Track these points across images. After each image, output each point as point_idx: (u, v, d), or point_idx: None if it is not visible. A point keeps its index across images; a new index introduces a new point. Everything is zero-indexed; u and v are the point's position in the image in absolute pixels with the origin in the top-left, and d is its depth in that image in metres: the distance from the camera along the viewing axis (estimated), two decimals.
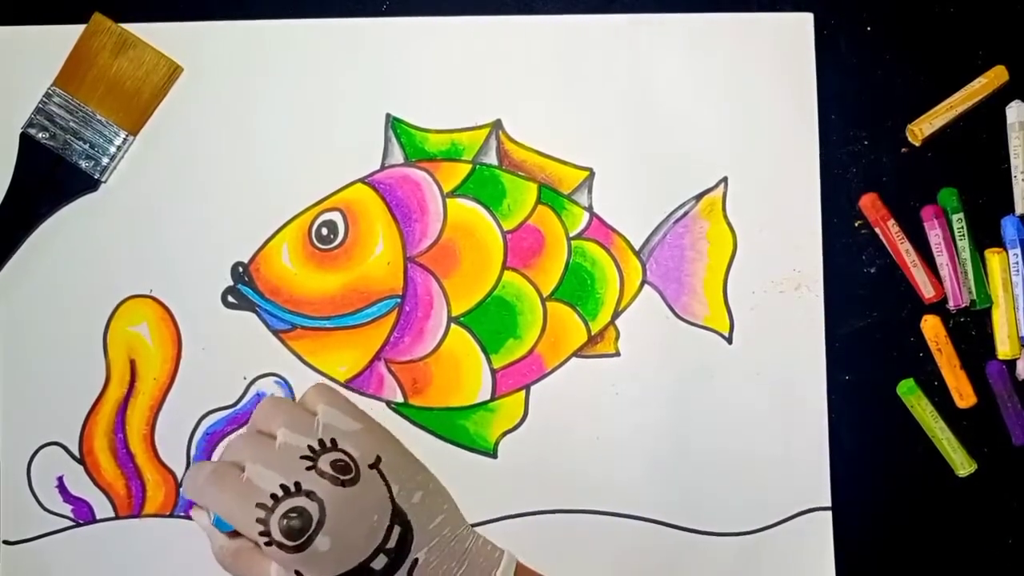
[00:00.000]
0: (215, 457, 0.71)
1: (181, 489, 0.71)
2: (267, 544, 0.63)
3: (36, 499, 0.72)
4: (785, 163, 0.73)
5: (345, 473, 0.64)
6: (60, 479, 0.72)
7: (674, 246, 0.73)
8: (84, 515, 0.72)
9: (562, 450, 0.73)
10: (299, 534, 0.62)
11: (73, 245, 0.73)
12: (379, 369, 0.73)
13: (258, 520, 0.63)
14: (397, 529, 0.65)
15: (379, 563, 0.64)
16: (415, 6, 0.74)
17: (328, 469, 0.64)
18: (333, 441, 0.66)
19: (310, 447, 0.65)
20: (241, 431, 0.70)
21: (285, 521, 0.62)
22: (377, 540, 0.64)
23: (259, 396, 0.72)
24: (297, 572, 0.63)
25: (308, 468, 0.64)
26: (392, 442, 0.70)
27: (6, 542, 0.72)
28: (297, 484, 0.63)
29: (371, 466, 0.66)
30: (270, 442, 0.66)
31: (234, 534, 0.66)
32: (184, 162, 0.73)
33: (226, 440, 0.69)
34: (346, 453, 0.65)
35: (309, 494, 0.63)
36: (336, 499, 0.63)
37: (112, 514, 0.72)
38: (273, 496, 0.63)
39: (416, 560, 0.65)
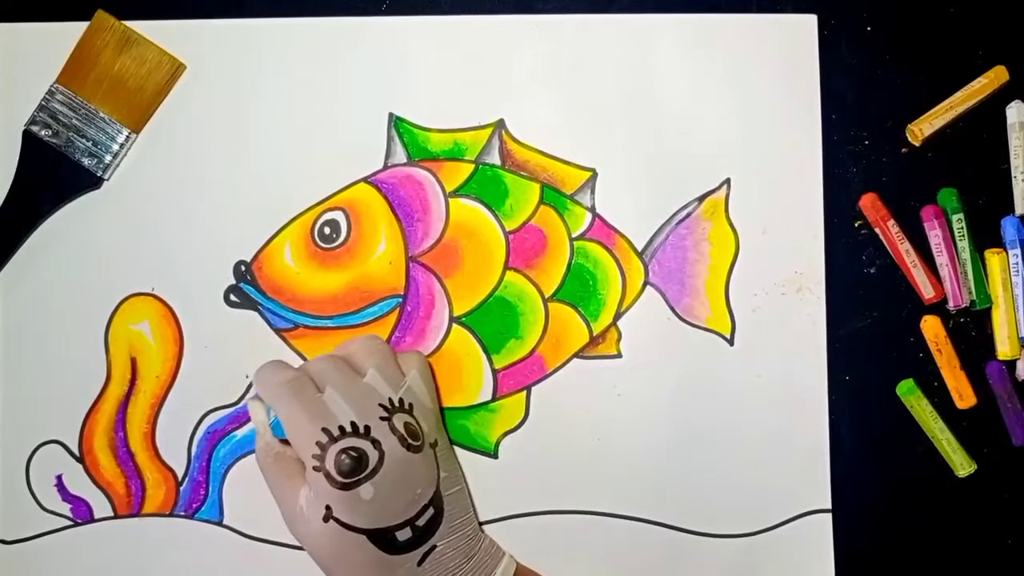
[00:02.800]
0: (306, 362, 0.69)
1: (254, 373, 0.69)
2: (315, 469, 0.63)
3: (34, 498, 0.71)
4: (788, 165, 0.73)
5: (415, 439, 0.65)
6: (59, 478, 0.71)
7: (676, 247, 0.74)
8: (82, 514, 0.72)
9: (563, 451, 0.73)
10: (350, 474, 0.63)
11: (75, 243, 0.73)
12: None
13: (318, 443, 0.63)
14: (430, 511, 0.65)
15: (404, 535, 0.64)
16: (416, 5, 0.74)
17: (400, 428, 0.65)
18: (411, 406, 0.67)
19: (390, 399, 0.66)
20: (328, 355, 0.69)
21: (344, 456, 0.63)
22: (412, 512, 0.64)
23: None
24: (328, 507, 0.63)
25: (382, 418, 0.65)
26: (446, 435, 0.71)
27: (3, 541, 0.71)
28: (367, 427, 0.64)
29: (431, 445, 0.67)
30: (356, 376, 0.67)
31: (284, 443, 0.66)
32: (187, 160, 0.73)
33: (318, 360, 0.68)
34: (417, 422, 0.66)
35: (375, 442, 0.64)
36: (396, 458, 0.64)
37: (111, 513, 0.72)
38: (341, 428, 0.64)
39: (434, 547, 0.65)
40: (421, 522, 0.65)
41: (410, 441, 0.65)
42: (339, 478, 0.63)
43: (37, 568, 0.71)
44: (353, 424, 0.64)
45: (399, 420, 0.65)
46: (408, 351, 0.71)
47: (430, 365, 0.72)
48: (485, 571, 0.67)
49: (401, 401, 0.66)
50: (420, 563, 0.65)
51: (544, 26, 0.74)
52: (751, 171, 0.73)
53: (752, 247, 0.74)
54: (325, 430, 0.64)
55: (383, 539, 0.64)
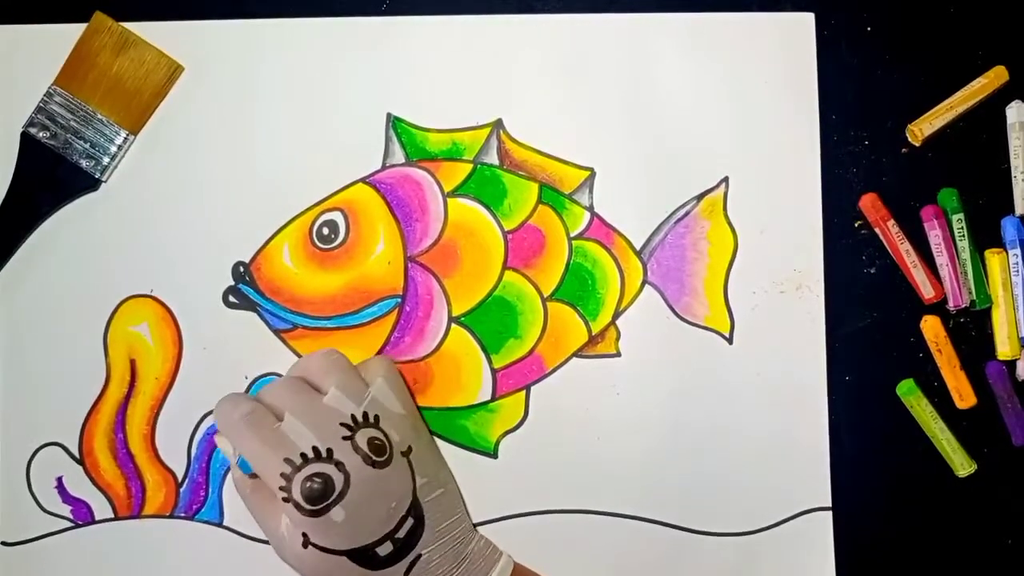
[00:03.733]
0: (263, 389, 0.69)
1: (216, 408, 0.68)
2: (284, 500, 0.63)
3: (35, 500, 0.72)
4: (786, 163, 0.73)
5: (379, 454, 0.64)
6: (59, 479, 0.72)
7: (675, 246, 0.73)
8: (83, 516, 0.72)
9: (562, 450, 0.73)
10: (318, 500, 0.63)
11: (74, 245, 0.73)
12: None
13: (282, 475, 0.63)
14: (410, 521, 0.65)
15: (384, 550, 0.64)
16: (415, 5, 0.74)
17: (363, 446, 0.64)
18: (376, 418, 0.66)
19: (353, 416, 0.65)
20: (285, 378, 0.69)
21: (308, 484, 0.63)
22: (389, 527, 0.64)
23: None
24: (304, 535, 0.63)
25: (345, 438, 0.64)
26: (426, 435, 0.71)
27: (4, 543, 0.72)
28: (329, 451, 0.64)
29: (403, 454, 0.66)
30: (315, 397, 0.66)
31: (255, 475, 0.66)
32: (185, 161, 0.73)
33: (277, 384, 0.68)
34: (384, 434, 0.66)
35: (338, 464, 0.63)
36: (363, 477, 0.63)
37: (111, 515, 0.72)
38: (303, 455, 0.63)
39: (419, 556, 0.65)
40: (401, 534, 0.64)
41: (375, 458, 0.64)
42: (307, 506, 0.63)
43: (39, 569, 0.71)
44: (315, 449, 0.63)
45: (362, 437, 0.64)
46: (373, 358, 0.71)
47: (398, 370, 0.71)
48: (479, 574, 0.67)
49: (365, 415, 0.66)
50: (407, 574, 0.65)
51: (541, 25, 0.74)
52: (749, 169, 0.73)
53: (751, 245, 0.73)
54: (287, 460, 0.63)
55: (363, 557, 0.64)
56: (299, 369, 0.68)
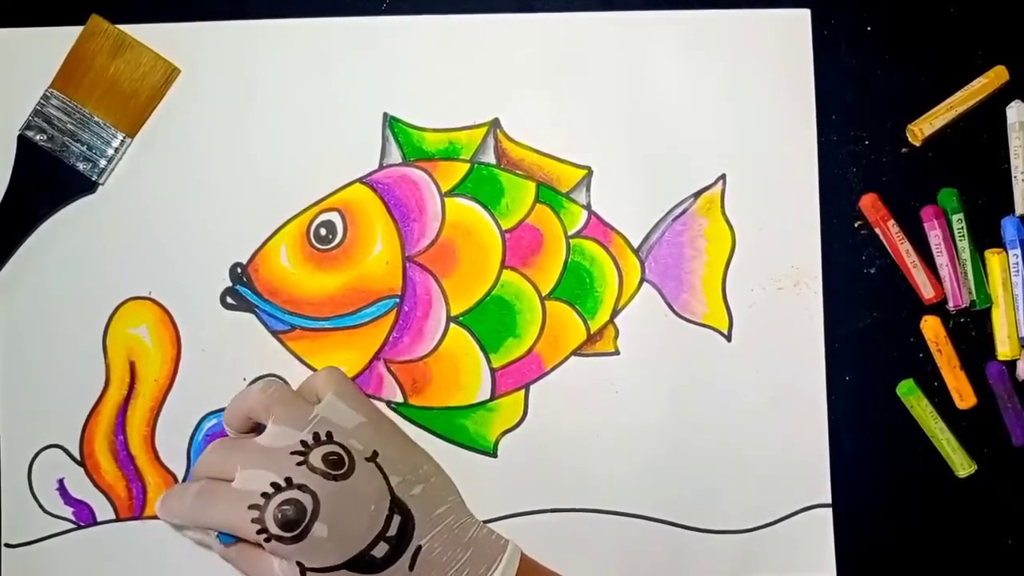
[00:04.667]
0: (195, 466, 0.69)
1: (159, 512, 0.69)
2: (266, 540, 0.63)
3: (37, 502, 0.72)
4: (783, 159, 0.73)
5: (338, 467, 0.64)
6: (61, 481, 0.72)
7: (673, 244, 0.73)
8: (85, 517, 0.72)
9: (562, 449, 0.73)
10: (295, 524, 0.63)
11: (71, 247, 0.73)
12: (378, 369, 0.73)
13: (253, 520, 0.63)
14: (397, 518, 0.65)
15: (380, 551, 0.64)
16: (413, 5, 0.73)
17: (319, 464, 0.64)
18: (328, 434, 0.66)
19: (302, 442, 0.65)
20: (216, 442, 0.69)
21: (279, 513, 0.63)
22: (377, 528, 0.64)
23: None
24: (299, 564, 0.63)
25: (299, 464, 0.64)
26: (395, 436, 0.70)
27: (7, 545, 0.72)
28: (288, 479, 0.64)
29: (368, 459, 0.66)
30: (255, 443, 0.66)
31: (236, 540, 0.66)
32: (182, 163, 0.73)
33: (207, 452, 0.68)
34: (341, 446, 0.66)
35: (301, 487, 0.63)
36: (329, 490, 0.64)
37: (113, 516, 0.72)
38: (264, 495, 0.63)
39: (419, 547, 0.65)
40: (391, 532, 0.64)
41: (334, 472, 0.64)
42: (288, 533, 0.63)
43: (41, 571, 0.72)
44: (274, 484, 0.64)
45: (316, 456, 0.64)
46: (320, 372, 0.71)
47: (344, 378, 0.70)
48: (487, 560, 0.66)
49: (316, 436, 0.65)
50: (412, 567, 0.65)
51: (537, 24, 0.73)
52: (746, 166, 0.73)
53: (748, 242, 0.73)
54: (253, 507, 0.63)
55: (362, 564, 0.64)
56: (240, 409, 0.69)
